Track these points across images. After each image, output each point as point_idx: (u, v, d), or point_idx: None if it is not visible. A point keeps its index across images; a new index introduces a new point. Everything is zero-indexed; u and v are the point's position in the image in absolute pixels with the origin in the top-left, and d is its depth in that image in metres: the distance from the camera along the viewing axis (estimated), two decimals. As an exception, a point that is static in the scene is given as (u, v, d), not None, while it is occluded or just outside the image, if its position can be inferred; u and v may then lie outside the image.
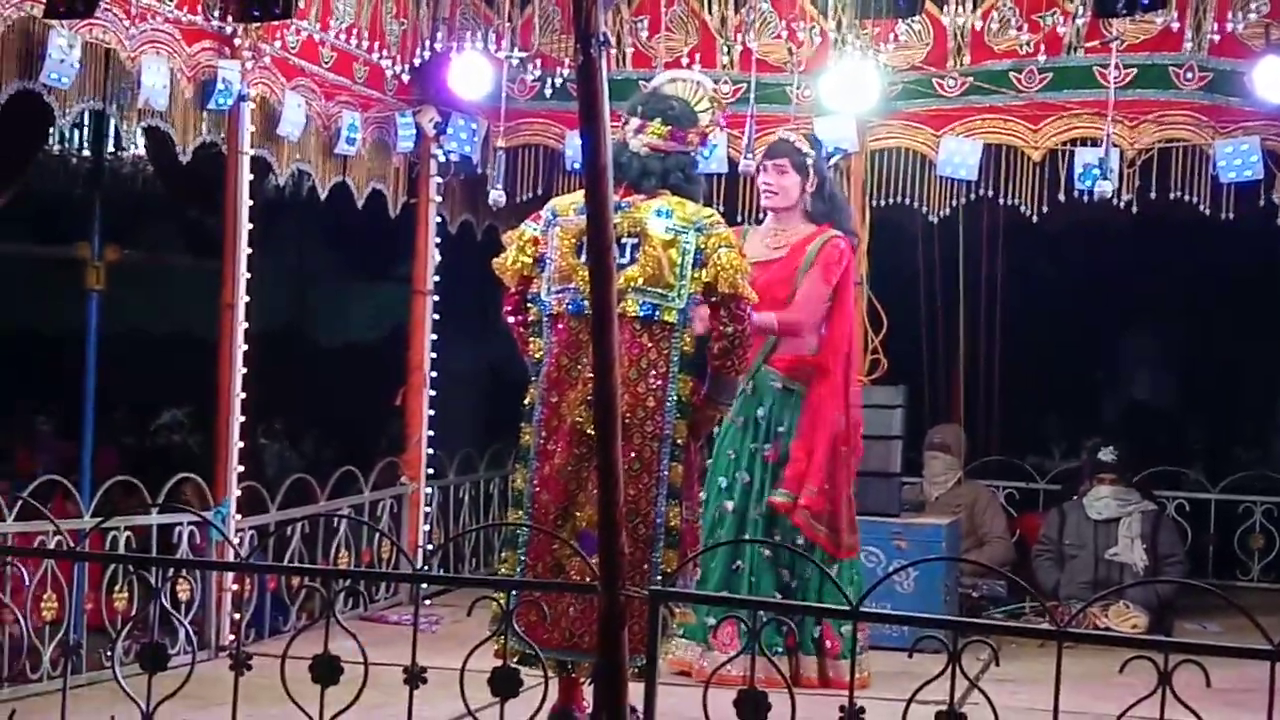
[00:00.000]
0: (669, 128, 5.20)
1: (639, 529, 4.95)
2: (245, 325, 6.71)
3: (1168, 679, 3.90)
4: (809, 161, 6.45)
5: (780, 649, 6.00)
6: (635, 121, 5.17)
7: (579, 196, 5.11)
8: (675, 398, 5.04)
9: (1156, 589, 7.46)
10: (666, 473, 5.03)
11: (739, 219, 7.40)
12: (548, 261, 5.16)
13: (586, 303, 4.86)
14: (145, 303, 11.04)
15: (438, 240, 8.17)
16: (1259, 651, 3.91)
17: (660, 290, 5.03)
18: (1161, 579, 7.63)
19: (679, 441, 5.04)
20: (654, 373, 5.03)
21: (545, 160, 8.02)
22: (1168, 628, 7.39)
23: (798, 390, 6.36)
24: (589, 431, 4.80)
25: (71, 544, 5.41)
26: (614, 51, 7.43)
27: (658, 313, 5.03)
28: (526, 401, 5.20)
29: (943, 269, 8.50)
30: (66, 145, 8.78)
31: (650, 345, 5.04)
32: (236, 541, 6.39)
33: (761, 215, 6.72)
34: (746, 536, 6.21)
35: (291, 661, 4.52)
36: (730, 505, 6.32)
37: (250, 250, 6.75)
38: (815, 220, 6.42)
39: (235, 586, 6.52)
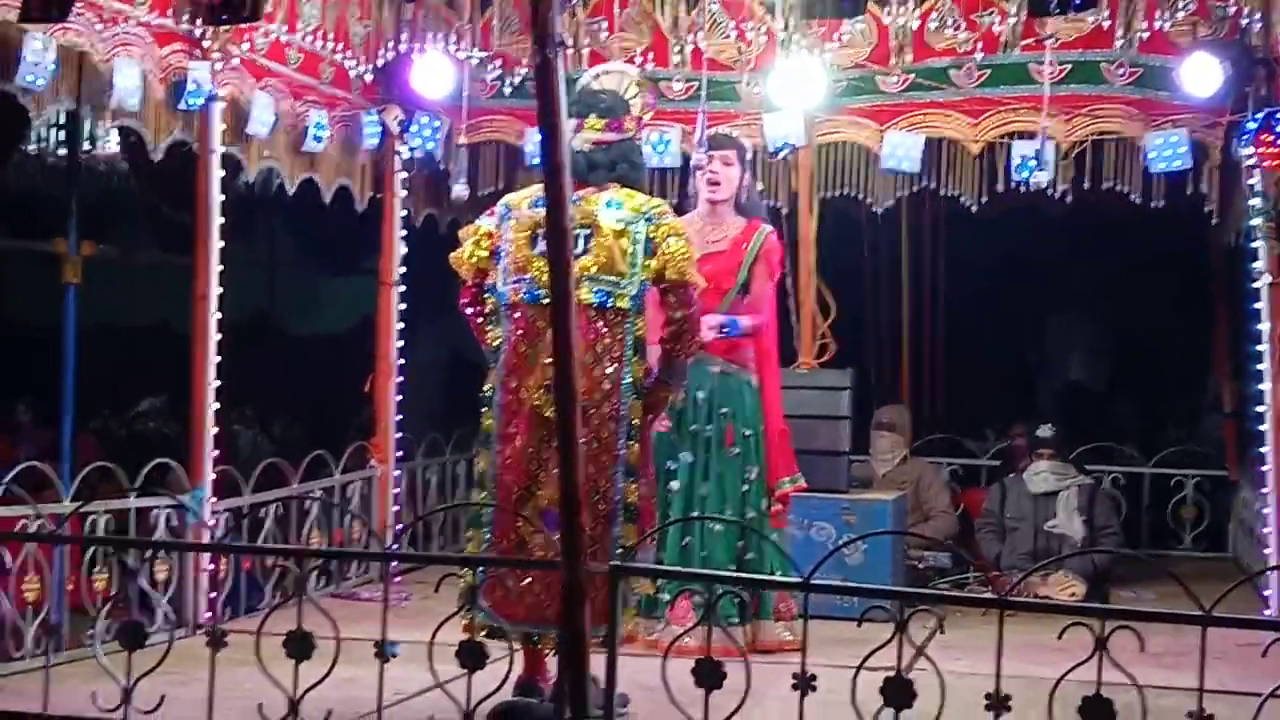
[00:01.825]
0: (604, 120, 5.27)
1: (599, 506, 5.04)
2: (218, 316, 6.73)
3: (1104, 644, 4.00)
4: (748, 157, 6.62)
5: (735, 619, 6.08)
6: (572, 122, 5.13)
7: (532, 190, 5.20)
8: (630, 380, 5.14)
9: (1094, 559, 7.59)
10: (624, 452, 5.12)
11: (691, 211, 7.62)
12: (503, 254, 5.23)
13: (542, 292, 4.97)
14: (121, 296, 10.97)
15: (403, 234, 8.22)
16: (1191, 617, 4.01)
17: (613, 278, 5.13)
18: (1098, 549, 7.76)
19: (635, 422, 5.14)
20: (609, 357, 5.12)
21: (506, 156, 8.08)
22: (1104, 596, 7.53)
23: (734, 373, 6.48)
24: (548, 414, 4.89)
25: (52, 528, 5.46)
26: (570, 51, 7.47)
27: (611, 300, 5.13)
28: (487, 388, 5.25)
29: (887, 257, 8.57)
30: (43, 145, 8.71)
31: (605, 331, 5.13)
32: (212, 523, 6.44)
33: (691, 205, 6.74)
34: (695, 514, 6.30)
35: (266, 638, 4.59)
36: (676, 485, 6.40)
37: (222, 244, 6.76)
38: (742, 213, 6.56)
39: (211, 567, 6.52)
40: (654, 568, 6.02)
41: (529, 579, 5.09)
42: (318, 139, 7.43)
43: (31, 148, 8.61)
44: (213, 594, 6.57)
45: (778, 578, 6.11)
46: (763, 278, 6.50)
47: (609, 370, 5.13)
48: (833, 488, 7.25)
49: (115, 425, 10.84)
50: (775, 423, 6.58)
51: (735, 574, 6.15)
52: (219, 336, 6.78)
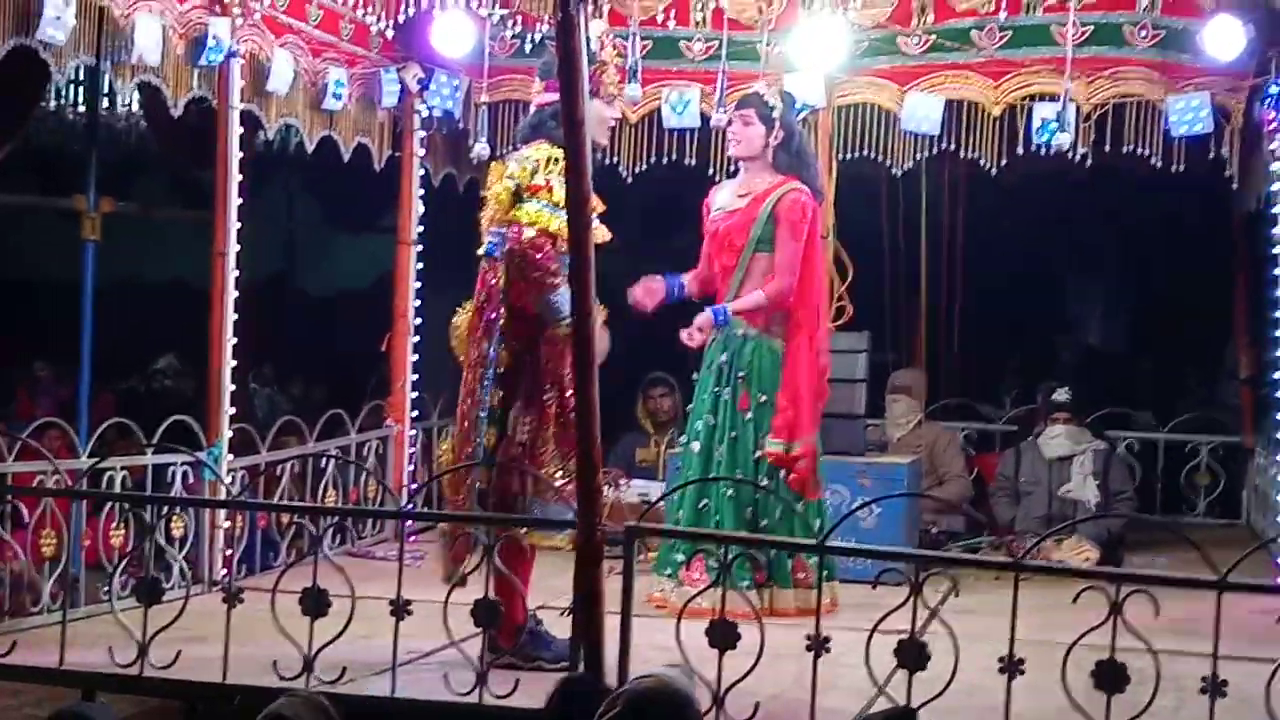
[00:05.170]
0: (544, 82, 5.47)
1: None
2: (236, 274, 6.74)
3: (1119, 608, 4.07)
4: (774, 114, 6.51)
5: (749, 583, 6.00)
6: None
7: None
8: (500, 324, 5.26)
9: (1108, 524, 7.59)
10: (487, 397, 5.23)
11: (710, 172, 7.57)
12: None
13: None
14: (140, 253, 11.04)
15: (421, 192, 8.23)
16: (1205, 582, 4.10)
17: (501, 229, 5.24)
18: (1112, 514, 7.73)
19: (500, 370, 5.23)
20: (490, 305, 5.24)
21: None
22: (1118, 561, 7.48)
23: (755, 337, 6.44)
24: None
25: (69, 483, 5.55)
26: (591, 9, 7.48)
27: (498, 250, 5.24)
28: None
29: (906, 220, 8.53)
30: (63, 100, 8.71)
31: (494, 281, 5.25)
32: (228, 481, 6.47)
33: (733, 168, 6.81)
34: (712, 476, 6.29)
35: (282, 595, 4.71)
36: (696, 447, 6.42)
37: (240, 201, 6.78)
38: (781, 172, 6.50)
39: (227, 524, 6.56)
40: (671, 529, 6.07)
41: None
42: (337, 96, 7.44)
43: (52, 104, 8.59)
44: (228, 551, 6.59)
45: (791, 539, 6.13)
46: (784, 239, 6.42)
47: (491, 317, 5.24)
48: (848, 451, 7.24)
49: (135, 382, 10.88)
50: (797, 386, 6.46)
51: (750, 536, 6.16)
52: (236, 294, 6.78)
